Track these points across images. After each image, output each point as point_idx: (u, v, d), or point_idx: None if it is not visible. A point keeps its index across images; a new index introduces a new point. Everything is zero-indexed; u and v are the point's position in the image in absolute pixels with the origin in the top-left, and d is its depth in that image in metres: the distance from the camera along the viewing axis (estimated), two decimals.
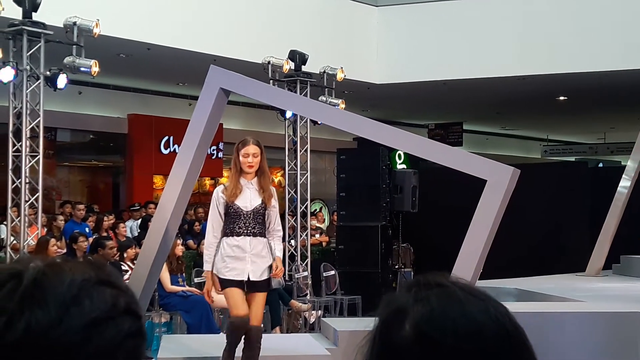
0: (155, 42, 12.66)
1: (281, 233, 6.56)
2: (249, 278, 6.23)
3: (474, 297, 1.05)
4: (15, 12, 9.55)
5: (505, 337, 1.02)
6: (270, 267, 6.31)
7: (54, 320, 0.92)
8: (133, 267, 8.01)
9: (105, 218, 12.63)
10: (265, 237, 6.35)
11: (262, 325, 6.59)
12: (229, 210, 6.29)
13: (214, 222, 6.35)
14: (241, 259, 6.23)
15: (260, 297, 6.35)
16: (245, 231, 6.28)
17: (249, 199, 6.32)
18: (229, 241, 6.28)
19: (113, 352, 0.94)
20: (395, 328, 1.02)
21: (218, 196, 6.35)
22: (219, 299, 10.40)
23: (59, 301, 0.93)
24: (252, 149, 6.32)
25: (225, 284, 6.30)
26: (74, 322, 0.92)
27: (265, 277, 6.31)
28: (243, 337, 6.30)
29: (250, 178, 6.38)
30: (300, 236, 12.77)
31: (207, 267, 6.32)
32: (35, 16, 9.54)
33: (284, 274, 6.56)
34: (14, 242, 9.77)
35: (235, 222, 6.28)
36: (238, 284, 6.25)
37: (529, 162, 20.76)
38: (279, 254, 6.42)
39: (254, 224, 6.30)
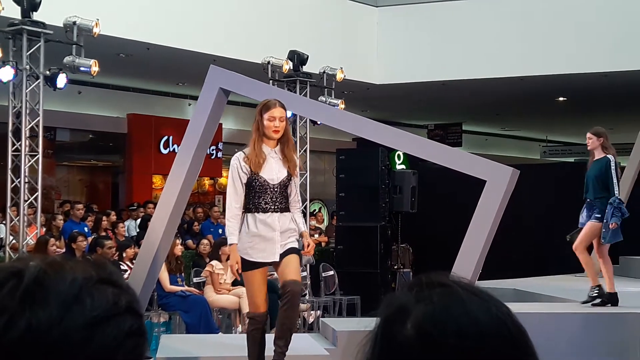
0: (155, 42, 12.66)
1: (301, 204, 5.99)
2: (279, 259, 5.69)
3: (476, 296, 1.05)
4: (15, 12, 9.54)
5: (508, 336, 1.02)
6: (298, 237, 5.76)
7: (55, 319, 0.92)
8: (132, 266, 8.01)
9: (105, 218, 12.62)
10: (290, 211, 5.74)
11: (300, 281, 5.96)
12: (253, 183, 5.63)
13: (237, 190, 5.64)
14: (270, 239, 5.62)
15: (294, 258, 5.71)
16: (273, 207, 5.63)
17: (275, 170, 5.67)
18: (254, 218, 5.63)
19: (114, 351, 0.94)
20: (397, 327, 1.02)
21: (240, 165, 5.65)
22: (216, 298, 10.44)
23: (60, 300, 0.93)
24: (278, 111, 5.65)
25: (249, 266, 5.66)
26: (75, 321, 0.92)
27: (294, 244, 5.73)
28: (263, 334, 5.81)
29: (273, 145, 5.72)
30: None
31: (232, 239, 5.60)
32: (35, 16, 9.54)
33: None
34: (13, 241, 9.77)
35: (261, 197, 5.63)
36: (265, 264, 5.71)
37: (528, 163, 20.75)
38: (303, 227, 5.83)
39: (281, 198, 5.67)
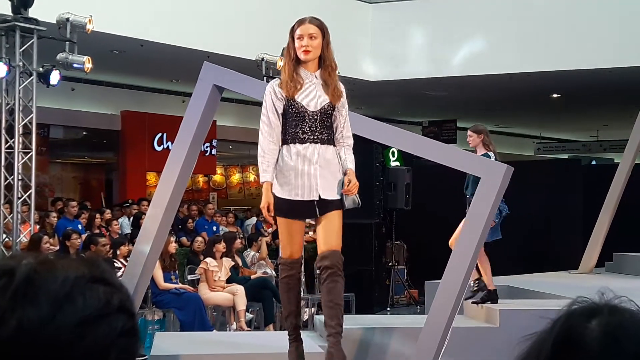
0: (148, 38, 12.63)
1: (352, 141, 5.13)
2: (319, 197, 4.92)
3: None
4: (8, 8, 9.52)
5: None
6: (343, 183, 4.97)
7: (46, 317, 0.91)
8: (126, 264, 8.00)
9: (98, 215, 12.60)
10: (334, 145, 5.01)
11: (339, 249, 5.11)
12: (289, 110, 4.92)
13: (271, 122, 4.92)
14: (307, 174, 4.89)
15: (335, 217, 5.00)
16: (312, 137, 4.91)
17: (314, 95, 4.95)
18: (289, 150, 4.91)
19: (106, 349, 0.94)
20: (582, 323, 1.09)
21: (274, 90, 4.94)
22: (210, 296, 10.43)
23: (52, 298, 0.92)
24: (307, 28, 4.95)
25: (282, 206, 4.93)
26: (66, 319, 0.92)
27: (337, 196, 4.98)
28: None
29: (313, 69, 5.00)
30: None
31: (265, 177, 4.89)
32: (28, 12, 9.52)
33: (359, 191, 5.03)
34: (7, 239, 9.74)
35: (298, 126, 4.91)
36: (302, 207, 4.94)
37: (522, 160, 20.80)
38: (351, 165, 5.03)
39: (321, 127, 4.93)
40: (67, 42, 9.87)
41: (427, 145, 5.62)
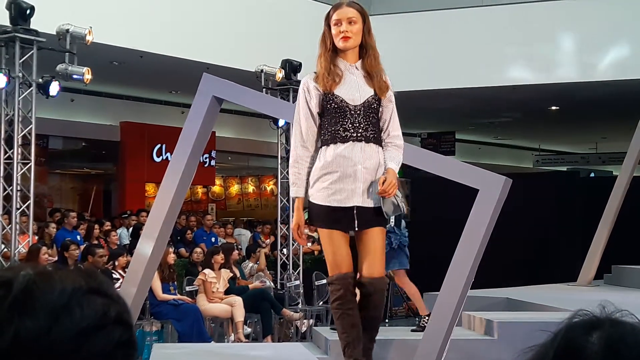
0: (148, 49, 12.66)
1: (401, 141, 4.45)
2: (359, 204, 4.25)
3: None
4: (7, 19, 9.54)
5: None
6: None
7: (43, 329, 0.91)
8: (124, 275, 7.99)
9: (97, 226, 12.60)
10: (379, 143, 4.34)
11: (385, 276, 4.56)
12: (328, 106, 4.28)
13: (303, 124, 4.31)
14: (349, 176, 4.23)
15: (378, 235, 4.33)
16: (355, 134, 4.26)
17: (356, 87, 4.32)
18: (330, 150, 4.26)
19: None
20: (583, 336, 1.09)
21: (309, 87, 4.33)
22: (209, 307, 10.42)
23: (49, 310, 0.93)
24: (346, 12, 4.31)
25: (321, 215, 4.28)
26: (63, 331, 0.92)
27: (378, 203, 4.27)
28: (357, 302, 4.41)
29: (353, 60, 4.37)
30: (293, 245, 12.76)
31: (295, 191, 4.32)
32: (28, 24, 9.54)
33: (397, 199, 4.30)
34: (5, 250, 9.74)
35: (339, 123, 4.26)
36: (341, 216, 4.25)
37: (521, 172, 20.82)
38: (392, 165, 4.33)
39: (365, 124, 4.29)
40: (67, 53, 9.89)
41: (425, 157, 5.62)
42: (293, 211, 4.36)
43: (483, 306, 8.24)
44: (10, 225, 9.56)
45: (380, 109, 4.37)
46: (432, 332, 4.94)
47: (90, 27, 9.96)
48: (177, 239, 13.29)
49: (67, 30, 9.89)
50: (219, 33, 13.51)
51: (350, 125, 4.26)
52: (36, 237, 10.91)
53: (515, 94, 15.73)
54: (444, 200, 11.97)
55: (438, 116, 19.18)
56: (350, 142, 4.25)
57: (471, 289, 5.11)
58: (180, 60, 13.02)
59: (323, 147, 4.29)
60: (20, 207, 9.54)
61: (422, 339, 5.05)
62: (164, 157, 17.40)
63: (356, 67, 4.36)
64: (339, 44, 4.30)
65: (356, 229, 4.30)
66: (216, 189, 23.19)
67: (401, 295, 14.32)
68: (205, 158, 18.17)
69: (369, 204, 4.26)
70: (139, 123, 17.51)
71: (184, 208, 12.07)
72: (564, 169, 24.74)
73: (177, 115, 16.09)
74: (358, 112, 4.28)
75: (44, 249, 9.85)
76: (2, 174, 9.55)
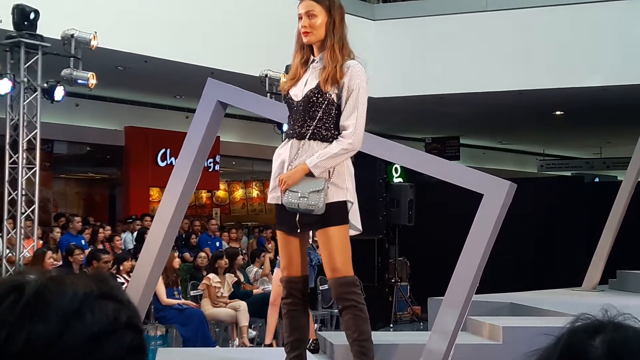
0: (152, 54, 12.67)
1: (349, 132, 4.17)
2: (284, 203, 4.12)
3: None
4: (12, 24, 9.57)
5: None
6: (324, 190, 4.09)
7: (55, 333, 0.92)
8: (129, 279, 8.00)
9: (101, 230, 12.61)
10: (328, 140, 4.12)
11: (351, 275, 4.46)
12: (286, 105, 4.31)
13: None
14: (278, 176, 4.18)
15: (331, 233, 4.20)
16: (291, 131, 4.19)
17: (303, 82, 4.21)
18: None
19: None
20: (586, 340, 1.10)
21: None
22: (213, 312, 10.42)
23: (61, 314, 0.93)
24: (305, 5, 4.18)
25: (277, 218, 4.33)
26: (75, 336, 0.93)
27: (319, 203, 4.05)
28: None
29: (317, 54, 4.26)
30: None
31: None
32: (33, 29, 9.56)
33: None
34: (10, 254, 9.75)
35: (289, 120, 4.25)
36: (284, 216, 4.18)
37: (525, 177, 20.79)
38: (309, 159, 4.07)
39: (303, 120, 4.12)
40: (72, 58, 9.91)
41: (429, 162, 5.62)
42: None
43: (488, 311, 8.23)
44: (15, 230, 9.58)
45: (324, 102, 4.10)
46: (437, 337, 4.94)
47: (95, 32, 9.99)
48: (181, 244, 13.30)
49: (72, 35, 9.92)
50: (223, 38, 13.53)
51: (292, 122, 4.20)
52: (41, 242, 10.92)
53: (520, 98, 15.72)
54: (449, 205, 11.97)
55: (442, 121, 19.16)
56: (287, 139, 4.23)
57: (476, 293, 5.11)
58: (185, 65, 13.03)
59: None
60: (25, 211, 9.56)
61: (426, 344, 5.05)
62: (169, 162, 17.42)
63: (316, 61, 4.24)
64: (303, 39, 4.21)
65: (298, 230, 4.22)
66: (220, 193, 23.19)
67: (405, 300, 14.32)
68: (210, 163, 18.18)
69: (293, 204, 4.08)
70: (143, 128, 17.53)
71: (188, 212, 12.08)
72: (569, 174, 24.70)
73: (182, 120, 16.11)
74: (300, 107, 4.16)
75: (49, 253, 9.86)
76: (7, 179, 9.57)
